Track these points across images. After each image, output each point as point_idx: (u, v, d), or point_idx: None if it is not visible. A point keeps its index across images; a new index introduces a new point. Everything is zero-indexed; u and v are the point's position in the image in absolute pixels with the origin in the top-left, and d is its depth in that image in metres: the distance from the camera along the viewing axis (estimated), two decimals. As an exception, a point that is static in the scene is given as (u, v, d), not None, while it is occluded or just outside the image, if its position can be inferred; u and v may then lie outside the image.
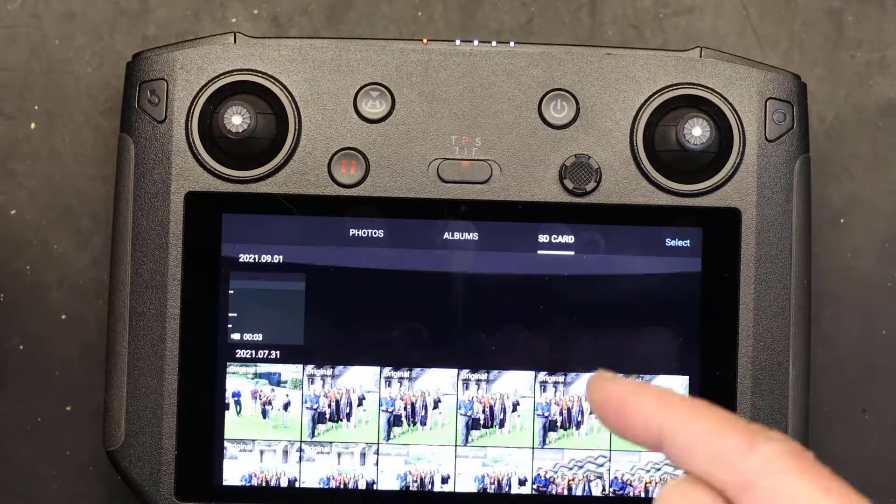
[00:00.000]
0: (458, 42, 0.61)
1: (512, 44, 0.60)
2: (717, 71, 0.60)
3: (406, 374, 0.60)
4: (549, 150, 0.60)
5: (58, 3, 0.65)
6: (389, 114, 0.60)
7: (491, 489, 0.61)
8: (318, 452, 0.61)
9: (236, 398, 0.60)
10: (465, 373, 0.60)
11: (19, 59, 0.65)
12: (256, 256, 0.60)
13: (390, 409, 0.60)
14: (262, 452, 0.61)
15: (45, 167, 0.64)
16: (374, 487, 0.61)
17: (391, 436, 0.60)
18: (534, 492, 0.61)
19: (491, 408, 0.61)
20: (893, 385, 0.65)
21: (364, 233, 0.60)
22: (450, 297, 0.60)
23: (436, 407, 0.61)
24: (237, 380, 0.60)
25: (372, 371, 0.60)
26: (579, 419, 0.61)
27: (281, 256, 0.60)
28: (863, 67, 0.65)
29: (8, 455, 0.64)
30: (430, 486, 0.60)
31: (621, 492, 0.61)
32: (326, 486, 0.61)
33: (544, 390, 0.61)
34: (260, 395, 0.60)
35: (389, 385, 0.60)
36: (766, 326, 0.60)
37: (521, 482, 0.61)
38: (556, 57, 0.60)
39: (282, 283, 0.60)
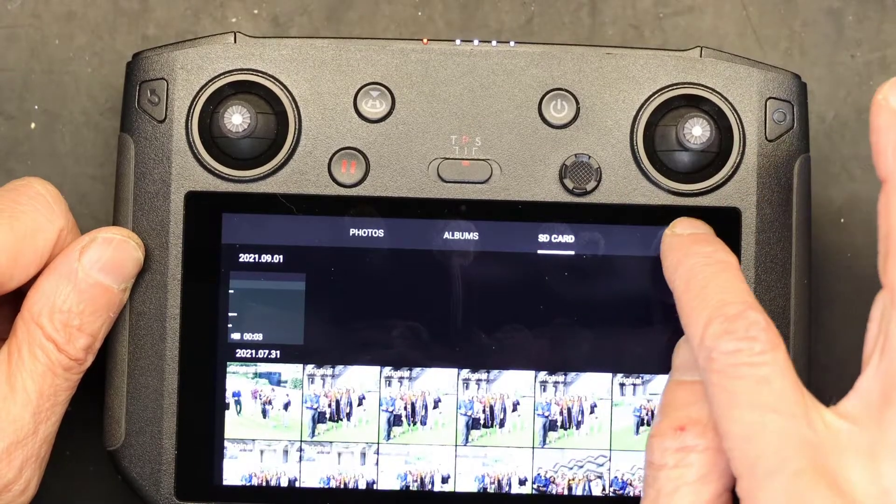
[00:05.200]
0: (458, 42, 0.61)
1: (512, 44, 0.60)
2: (717, 71, 0.60)
3: (406, 373, 0.60)
4: (549, 149, 0.60)
5: (58, 3, 0.65)
6: (389, 114, 0.60)
7: (491, 489, 0.61)
8: (318, 452, 0.61)
9: (236, 398, 0.60)
10: (465, 373, 0.60)
11: (19, 59, 0.65)
12: (256, 256, 0.60)
13: (390, 409, 0.60)
14: (262, 452, 0.61)
15: (45, 167, 0.64)
16: (374, 487, 0.61)
17: (391, 436, 0.60)
18: (534, 492, 0.61)
19: (491, 408, 0.61)
20: (893, 385, 0.65)
21: (364, 233, 0.60)
22: (450, 297, 0.60)
23: (436, 407, 0.61)
24: (237, 379, 0.60)
25: (372, 371, 0.60)
26: (579, 419, 0.61)
27: (281, 256, 0.60)
28: (863, 67, 0.65)
29: (8, 455, 0.64)
30: (430, 486, 0.60)
31: (621, 492, 0.61)
32: (326, 486, 0.61)
33: (544, 390, 0.61)
34: (260, 395, 0.60)
35: (389, 385, 0.60)
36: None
37: (521, 482, 0.61)
38: (556, 57, 0.60)
39: (282, 283, 0.60)
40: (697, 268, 0.55)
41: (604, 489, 0.61)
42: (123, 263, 0.58)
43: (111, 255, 0.58)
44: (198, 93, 0.60)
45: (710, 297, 0.53)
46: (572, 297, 0.60)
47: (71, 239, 0.58)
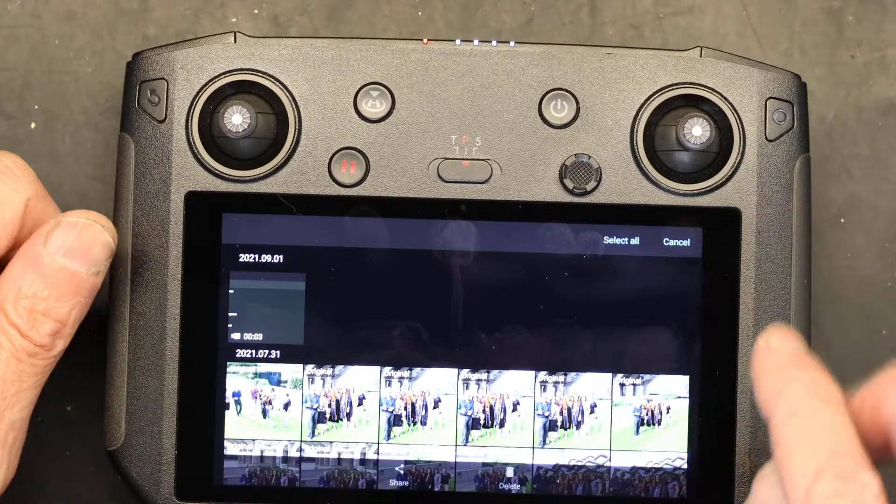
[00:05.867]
0: (458, 42, 0.61)
1: (512, 44, 0.60)
2: (717, 71, 0.60)
3: (406, 373, 0.60)
4: (549, 149, 0.60)
5: (58, 3, 0.65)
6: (389, 114, 0.60)
7: (491, 489, 0.61)
8: (318, 452, 0.61)
9: (236, 398, 0.60)
10: (465, 373, 0.60)
11: (19, 59, 0.65)
12: (256, 256, 0.60)
13: (390, 409, 0.60)
14: (262, 452, 0.61)
15: (45, 167, 0.64)
16: (375, 487, 0.60)
17: (391, 436, 0.60)
18: (534, 492, 0.61)
19: (491, 408, 0.61)
20: (893, 385, 0.65)
21: (364, 233, 0.60)
22: (450, 297, 0.60)
23: (436, 407, 0.61)
24: (237, 379, 0.60)
25: (372, 371, 0.60)
26: (579, 419, 0.61)
27: (281, 256, 0.60)
28: (863, 67, 0.65)
29: (8, 455, 0.64)
30: (430, 486, 0.60)
31: (621, 492, 0.61)
32: (326, 486, 0.61)
33: (544, 390, 0.61)
34: (260, 395, 0.60)
35: (389, 385, 0.60)
36: (766, 326, 0.60)
37: (522, 482, 0.61)
38: (556, 57, 0.60)
39: (282, 282, 0.60)
40: (801, 400, 0.49)
41: (604, 489, 0.61)
42: (90, 247, 0.57)
43: (76, 239, 0.57)
44: (198, 93, 0.60)
45: (820, 444, 0.48)
46: (572, 297, 0.60)
47: (40, 208, 0.58)
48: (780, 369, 0.50)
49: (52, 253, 0.56)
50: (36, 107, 0.65)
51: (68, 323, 0.57)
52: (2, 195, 0.57)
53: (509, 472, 0.61)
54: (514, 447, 0.61)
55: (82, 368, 0.64)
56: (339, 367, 0.60)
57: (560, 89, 0.60)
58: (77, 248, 0.57)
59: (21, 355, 0.56)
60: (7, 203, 0.57)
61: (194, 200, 0.60)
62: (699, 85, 0.60)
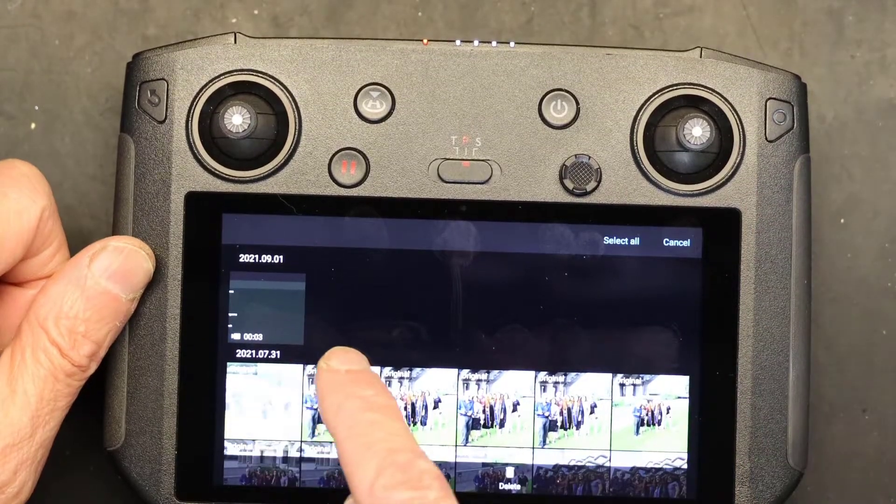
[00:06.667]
0: (458, 42, 0.61)
1: (512, 44, 0.60)
2: (717, 71, 0.60)
3: (406, 374, 0.60)
4: (549, 150, 0.60)
5: (58, 3, 0.65)
6: (389, 114, 0.60)
7: (491, 489, 0.61)
8: (318, 452, 0.61)
9: (236, 398, 0.60)
10: (465, 373, 0.61)
11: (19, 59, 0.65)
12: (256, 256, 0.60)
13: (390, 409, 0.60)
14: (262, 452, 0.61)
15: (45, 167, 0.64)
16: (375, 487, 0.60)
17: (391, 436, 0.60)
18: (534, 492, 0.61)
19: (491, 408, 0.61)
20: (893, 385, 0.65)
21: (364, 233, 0.60)
22: (450, 297, 0.60)
23: (436, 407, 0.61)
24: (237, 379, 0.60)
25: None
26: (579, 419, 0.61)
27: (281, 256, 0.60)
28: (863, 67, 0.65)
29: (8, 455, 0.64)
30: (430, 486, 0.60)
31: (621, 492, 0.61)
32: (326, 486, 0.61)
33: (544, 390, 0.61)
34: (260, 395, 0.60)
35: (389, 385, 0.60)
36: (766, 326, 0.60)
37: (522, 482, 0.61)
38: (556, 57, 0.60)
39: (282, 283, 0.60)
40: (358, 414, 0.52)
41: (604, 489, 0.61)
42: (133, 273, 0.58)
43: (121, 263, 0.58)
44: (198, 93, 0.60)
45: (377, 447, 0.51)
46: (572, 297, 0.60)
47: (52, 220, 0.58)
48: (339, 387, 0.53)
49: (97, 275, 0.57)
50: (36, 107, 0.65)
51: (103, 345, 0.58)
52: (19, 204, 0.57)
53: (509, 473, 0.61)
54: (514, 447, 0.61)
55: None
56: (339, 368, 0.60)
57: (560, 90, 0.60)
58: (121, 272, 0.58)
59: (59, 375, 0.57)
60: (24, 211, 0.57)
61: (194, 201, 0.60)
62: (699, 85, 0.60)
